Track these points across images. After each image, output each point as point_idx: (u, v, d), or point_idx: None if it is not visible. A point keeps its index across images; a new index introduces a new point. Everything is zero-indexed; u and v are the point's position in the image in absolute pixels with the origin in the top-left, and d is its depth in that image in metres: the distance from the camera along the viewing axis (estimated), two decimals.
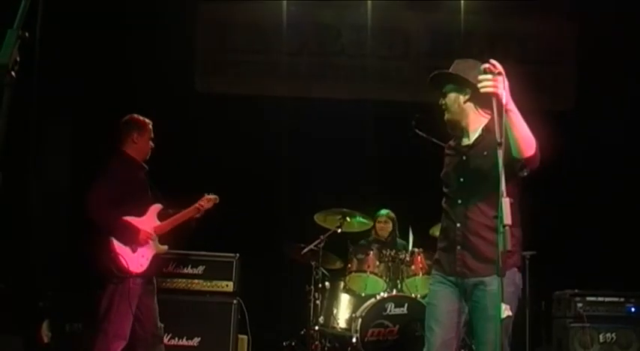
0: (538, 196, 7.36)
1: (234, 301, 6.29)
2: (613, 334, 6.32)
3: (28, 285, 6.28)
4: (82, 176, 7.47)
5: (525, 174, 3.47)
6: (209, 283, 6.36)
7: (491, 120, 3.45)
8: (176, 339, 6.02)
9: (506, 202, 2.95)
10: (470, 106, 3.65)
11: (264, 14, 8.56)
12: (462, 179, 3.62)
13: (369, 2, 8.51)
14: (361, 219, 6.89)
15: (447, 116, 3.73)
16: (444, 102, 3.72)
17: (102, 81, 7.66)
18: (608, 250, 7.50)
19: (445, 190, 3.73)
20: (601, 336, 6.32)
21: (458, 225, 3.57)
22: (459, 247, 3.56)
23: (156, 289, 4.98)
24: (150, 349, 4.87)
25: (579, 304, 6.40)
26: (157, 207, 4.95)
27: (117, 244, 4.72)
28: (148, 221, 4.90)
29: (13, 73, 2.14)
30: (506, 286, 3.27)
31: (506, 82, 3.19)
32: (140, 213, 4.88)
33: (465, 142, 3.70)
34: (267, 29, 8.63)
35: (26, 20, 2.20)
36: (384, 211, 7.32)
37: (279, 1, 8.47)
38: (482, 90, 3.21)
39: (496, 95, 3.15)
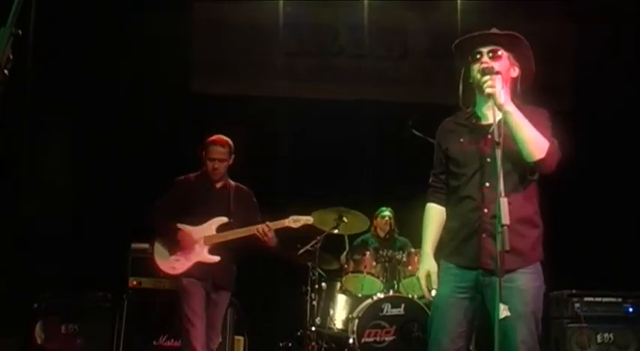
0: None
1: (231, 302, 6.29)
2: (611, 335, 6.29)
3: (24, 286, 6.27)
4: (79, 177, 7.53)
5: (535, 178, 3.31)
6: None
7: (519, 104, 3.31)
8: (172, 340, 6.02)
9: (504, 202, 2.88)
10: (509, 83, 3.35)
11: (260, 14, 8.56)
12: (488, 159, 3.24)
13: (367, 2, 8.51)
14: (358, 219, 6.87)
15: (482, 90, 3.25)
16: (490, 65, 3.26)
17: (98, 81, 7.64)
18: (605, 250, 7.51)
19: (457, 169, 3.40)
20: (599, 336, 6.29)
21: (485, 211, 3.22)
22: (484, 235, 3.21)
23: (224, 303, 5.21)
24: None
25: (577, 305, 6.37)
26: (219, 220, 5.13)
27: (156, 247, 5.13)
28: (202, 230, 5.10)
29: (5, 72, 2.13)
30: (532, 282, 3.26)
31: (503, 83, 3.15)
32: (198, 222, 5.11)
33: (486, 122, 3.37)
34: (263, 29, 8.63)
35: (19, 18, 2.19)
36: (384, 209, 7.35)
37: (275, 1, 8.47)
38: (486, 91, 3.13)
39: (494, 95, 3.13)
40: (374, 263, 6.77)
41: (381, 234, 7.37)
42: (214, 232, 5.11)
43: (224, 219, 5.13)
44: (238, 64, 8.61)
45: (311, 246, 6.56)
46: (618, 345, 6.29)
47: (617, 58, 7.94)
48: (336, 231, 6.69)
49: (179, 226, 5.09)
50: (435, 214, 3.56)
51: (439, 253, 3.48)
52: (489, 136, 3.24)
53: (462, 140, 3.42)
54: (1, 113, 2.11)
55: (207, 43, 8.64)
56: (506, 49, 3.37)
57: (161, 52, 7.94)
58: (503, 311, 2.90)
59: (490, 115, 3.28)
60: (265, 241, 5.05)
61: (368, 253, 6.81)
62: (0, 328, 5.61)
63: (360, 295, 6.74)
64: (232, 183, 5.39)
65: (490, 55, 3.33)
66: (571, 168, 7.71)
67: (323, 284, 6.82)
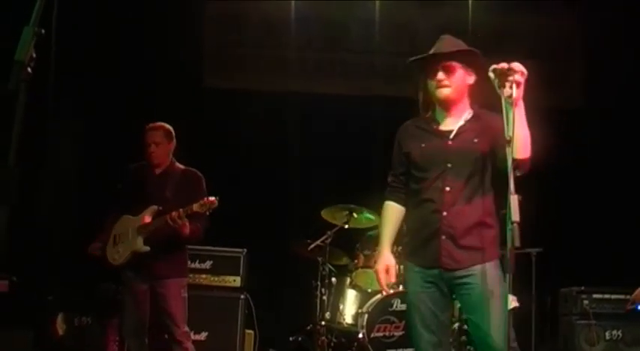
0: (546, 193, 7.42)
1: (242, 296, 6.36)
2: (619, 332, 6.34)
3: (39, 279, 6.33)
4: (92, 171, 7.58)
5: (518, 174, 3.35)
6: (217, 278, 6.42)
7: (477, 109, 3.55)
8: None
9: (514, 200, 2.94)
10: (467, 85, 3.55)
11: (272, 10, 8.59)
12: (449, 165, 3.44)
13: (377, 0, 8.53)
14: (368, 215, 6.90)
15: (446, 93, 3.51)
16: (444, 77, 3.49)
17: (111, 76, 7.69)
18: (615, 247, 7.50)
19: (418, 173, 3.55)
20: (607, 333, 6.34)
21: (445, 214, 3.41)
22: (443, 238, 3.41)
23: (174, 291, 5.01)
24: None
25: (585, 302, 6.42)
26: (152, 209, 4.97)
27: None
28: (137, 220, 4.99)
29: (29, 70, 2.18)
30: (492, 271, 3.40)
31: (525, 74, 3.17)
32: (136, 212, 5.01)
33: (446, 127, 3.54)
34: (275, 25, 8.65)
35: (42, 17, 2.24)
36: None
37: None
38: (505, 92, 3.12)
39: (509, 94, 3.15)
40: None
41: None
42: (148, 221, 4.94)
43: (155, 207, 4.97)
44: (250, 59, 8.64)
45: (321, 241, 6.61)
46: (626, 342, 6.34)
47: (628, 55, 7.92)
48: (346, 226, 6.74)
49: (123, 216, 5.06)
50: (394, 213, 3.75)
51: (403, 253, 3.68)
52: (449, 142, 3.48)
53: (423, 145, 3.57)
54: (25, 109, 2.16)
55: (219, 38, 8.67)
56: (459, 61, 3.51)
57: (174, 47, 7.97)
58: (513, 302, 3.00)
59: (449, 122, 3.53)
60: (177, 228, 4.79)
61: (378, 248, 6.84)
62: (17, 319, 5.67)
63: (369, 290, 6.75)
64: (180, 167, 5.20)
65: (444, 70, 3.50)
66: (582, 165, 7.80)
67: (333, 279, 6.86)
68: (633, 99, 7.86)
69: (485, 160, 3.43)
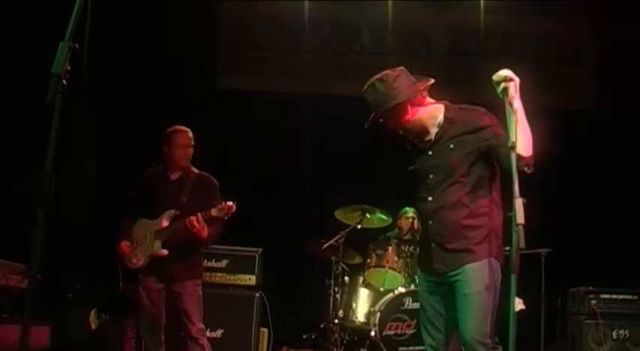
0: (556, 195, 7.49)
1: (257, 295, 6.45)
2: (626, 331, 6.38)
3: (58, 276, 6.42)
4: (108, 171, 7.69)
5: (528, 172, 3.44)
6: (232, 277, 6.52)
7: (449, 106, 3.65)
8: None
9: (519, 203, 3.05)
10: (417, 109, 3.58)
11: (285, 12, 8.67)
12: (431, 175, 3.58)
13: (390, 2, 8.59)
14: (381, 215, 7.00)
15: (413, 135, 3.68)
16: (401, 131, 3.66)
17: (125, 78, 7.76)
18: (623, 248, 7.57)
19: (415, 189, 3.71)
20: (614, 333, 6.38)
21: (430, 222, 3.59)
22: (433, 245, 3.58)
23: (191, 290, 5.09)
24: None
25: (593, 301, 6.47)
26: (170, 213, 5.07)
27: (124, 242, 5.13)
28: (155, 224, 5.08)
29: (64, 82, 2.32)
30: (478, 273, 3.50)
31: (518, 82, 3.31)
32: (153, 216, 5.09)
33: (428, 137, 3.65)
34: (288, 27, 8.74)
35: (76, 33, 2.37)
36: (408, 210, 7.28)
37: (300, 0, 8.58)
38: (508, 100, 3.28)
39: (511, 100, 3.29)
40: (396, 258, 6.90)
41: (404, 233, 7.33)
42: (165, 225, 5.03)
43: (173, 211, 5.06)
44: (263, 61, 8.72)
45: (335, 241, 6.70)
46: (633, 341, 6.38)
47: (638, 57, 7.91)
48: (359, 226, 6.82)
49: (140, 220, 5.11)
50: None
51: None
52: (430, 153, 3.61)
53: (413, 165, 3.71)
54: (61, 118, 2.29)
55: (233, 40, 8.75)
56: (389, 112, 3.56)
57: (188, 49, 8.03)
58: (519, 304, 3.11)
59: (426, 134, 3.62)
60: (195, 233, 4.89)
61: (390, 248, 6.94)
62: (34, 316, 5.75)
63: (382, 289, 6.88)
64: (195, 172, 5.25)
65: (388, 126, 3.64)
66: (592, 166, 7.82)
67: (346, 278, 6.97)
68: None
69: (467, 163, 3.53)
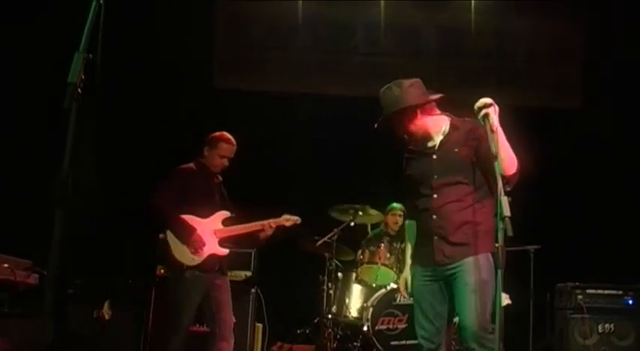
0: (544, 193, 7.61)
1: (252, 290, 6.50)
2: (611, 325, 6.49)
3: (61, 272, 6.48)
4: (109, 169, 7.76)
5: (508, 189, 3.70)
6: (228, 273, 6.58)
7: (454, 118, 3.94)
8: (196, 325, 6.17)
9: (505, 200, 3.27)
10: (425, 117, 3.90)
11: (279, 12, 8.74)
12: (436, 176, 3.85)
13: (382, 2, 8.67)
14: (373, 213, 7.13)
15: (416, 140, 3.98)
16: (406, 135, 3.96)
17: (121, 78, 7.80)
18: (609, 244, 7.68)
19: (417, 189, 3.94)
20: (600, 327, 6.49)
21: (434, 217, 3.83)
22: (436, 238, 3.82)
23: (227, 284, 5.31)
24: (220, 342, 5.14)
25: (579, 296, 6.58)
26: (223, 213, 5.28)
27: (170, 237, 5.13)
28: (211, 223, 5.22)
29: (79, 90, 2.46)
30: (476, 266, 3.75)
31: (497, 108, 3.58)
32: (204, 215, 5.22)
33: (431, 144, 3.95)
34: (282, 27, 8.81)
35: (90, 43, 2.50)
36: (396, 205, 7.34)
37: (294, 1, 8.65)
38: (491, 126, 3.53)
39: (491, 122, 3.55)
40: (388, 255, 7.02)
41: (394, 228, 7.37)
42: (222, 226, 5.25)
43: (227, 213, 5.29)
44: (257, 61, 8.80)
45: (329, 238, 6.81)
46: (618, 335, 6.49)
47: (626, 56, 8.03)
48: (352, 223, 6.95)
49: (187, 217, 5.12)
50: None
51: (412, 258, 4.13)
52: (434, 156, 3.90)
53: (414, 166, 4.02)
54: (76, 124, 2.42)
55: (228, 39, 8.82)
56: (402, 114, 3.88)
57: (184, 48, 8.08)
58: (505, 299, 3.28)
59: (431, 140, 3.93)
60: (263, 236, 5.32)
61: (382, 245, 7.06)
62: (35, 312, 5.82)
63: (374, 285, 6.99)
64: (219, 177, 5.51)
65: (395, 128, 3.96)
66: (579, 165, 7.91)
67: (339, 274, 7.09)
68: (631, 100, 8.00)
69: (469, 164, 3.83)
